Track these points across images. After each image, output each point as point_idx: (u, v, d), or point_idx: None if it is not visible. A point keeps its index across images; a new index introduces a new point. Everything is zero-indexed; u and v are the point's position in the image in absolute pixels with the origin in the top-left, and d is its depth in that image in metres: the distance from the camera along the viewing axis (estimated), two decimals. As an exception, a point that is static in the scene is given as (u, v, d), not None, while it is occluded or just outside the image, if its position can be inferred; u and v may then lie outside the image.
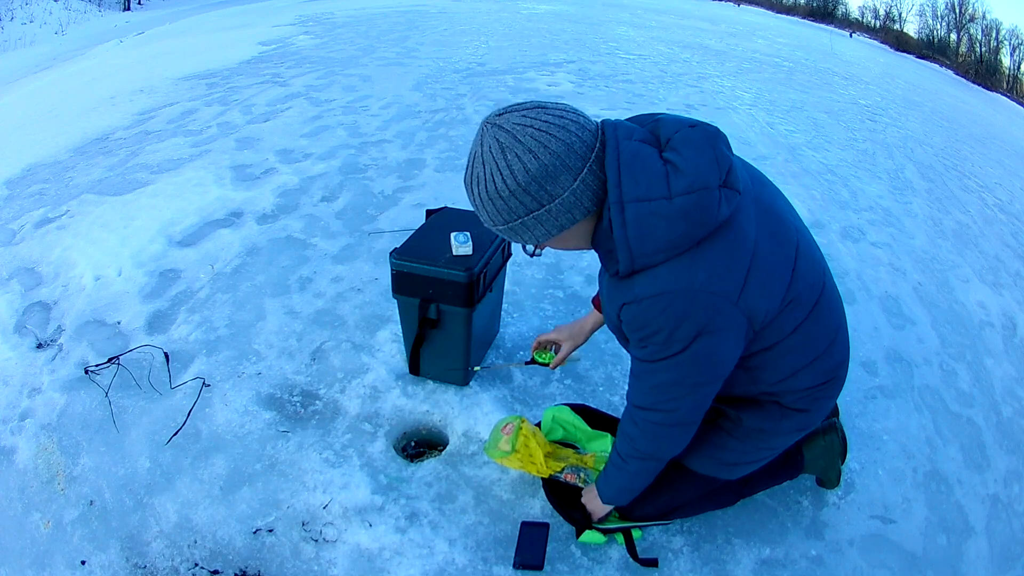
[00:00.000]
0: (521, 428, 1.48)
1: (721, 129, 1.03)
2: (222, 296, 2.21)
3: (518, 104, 0.98)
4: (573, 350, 1.59)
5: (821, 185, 3.73)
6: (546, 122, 0.94)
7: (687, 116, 1.07)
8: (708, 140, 1.00)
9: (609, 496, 1.36)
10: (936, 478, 1.75)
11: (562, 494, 1.47)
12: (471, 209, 1.82)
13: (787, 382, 1.19)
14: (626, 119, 1.08)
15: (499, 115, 0.97)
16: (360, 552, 1.41)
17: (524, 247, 1.09)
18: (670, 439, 1.19)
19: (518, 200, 0.96)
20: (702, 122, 1.03)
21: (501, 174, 0.95)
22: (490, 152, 0.95)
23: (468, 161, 1.00)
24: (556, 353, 1.61)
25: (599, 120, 1.02)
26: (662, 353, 1.04)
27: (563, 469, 1.50)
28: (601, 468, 1.47)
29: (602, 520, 1.43)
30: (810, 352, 1.17)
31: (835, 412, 1.68)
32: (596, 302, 1.54)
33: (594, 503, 1.41)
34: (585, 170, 0.96)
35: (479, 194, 0.99)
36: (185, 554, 1.41)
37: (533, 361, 1.64)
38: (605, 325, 1.47)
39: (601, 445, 1.56)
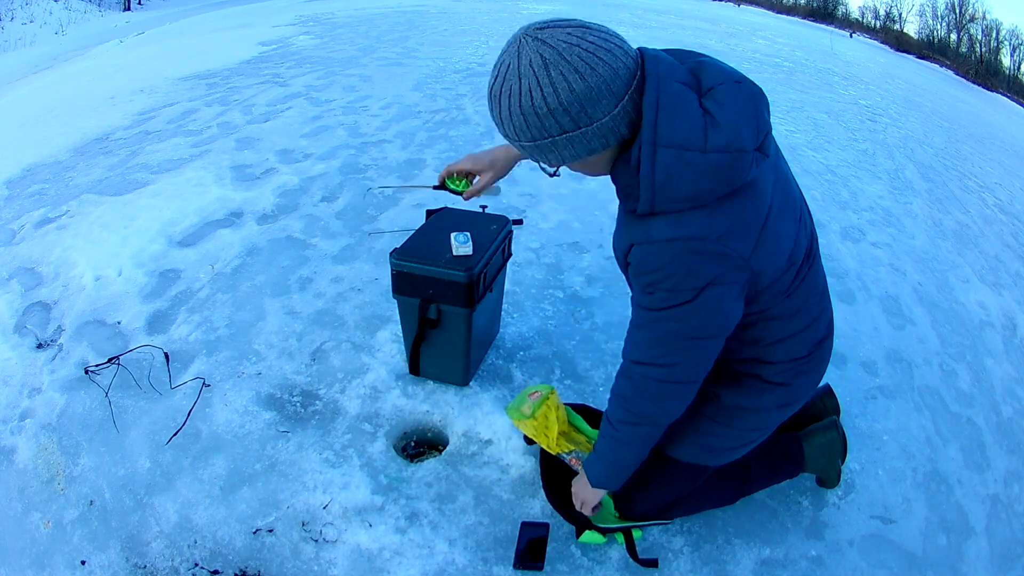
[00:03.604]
0: (548, 399, 1.47)
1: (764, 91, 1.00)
2: (222, 296, 2.21)
3: (559, 20, 0.92)
4: (494, 181, 1.48)
5: (821, 185, 3.73)
6: (592, 43, 0.90)
7: (731, 68, 1.02)
8: (752, 102, 0.97)
9: (597, 474, 1.29)
10: (936, 478, 1.75)
11: (562, 494, 1.47)
12: (471, 208, 1.85)
13: (775, 349, 1.18)
14: (663, 51, 1.03)
15: (540, 28, 0.92)
16: (360, 552, 1.42)
17: (542, 165, 1.05)
18: (667, 397, 1.13)
19: (555, 119, 0.92)
20: (748, 79, 1.00)
21: (542, 90, 0.90)
22: (530, 66, 0.90)
23: (497, 71, 0.95)
24: (472, 183, 1.49)
25: (637, 48, 0.97)
26: (669, 301, 1.01)
27: (571, 452, 1.46)
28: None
29: (598, 515, 1.42)
30: (802, 319, 1.16)
31: (835, 410, 1.68)
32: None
33: (584, 491, 1.35)
34: (626, 98, 0.92)
35: (510, 107, 0.94)
36: (185, 554, 1.41)
37: (443, 186, 1.47)
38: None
39: (601, 445, 1.56)
